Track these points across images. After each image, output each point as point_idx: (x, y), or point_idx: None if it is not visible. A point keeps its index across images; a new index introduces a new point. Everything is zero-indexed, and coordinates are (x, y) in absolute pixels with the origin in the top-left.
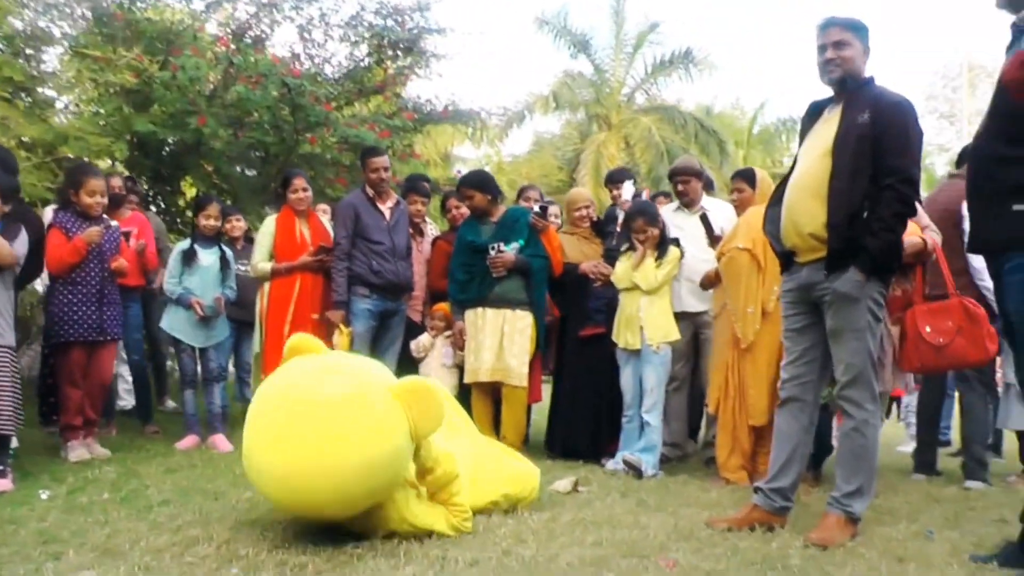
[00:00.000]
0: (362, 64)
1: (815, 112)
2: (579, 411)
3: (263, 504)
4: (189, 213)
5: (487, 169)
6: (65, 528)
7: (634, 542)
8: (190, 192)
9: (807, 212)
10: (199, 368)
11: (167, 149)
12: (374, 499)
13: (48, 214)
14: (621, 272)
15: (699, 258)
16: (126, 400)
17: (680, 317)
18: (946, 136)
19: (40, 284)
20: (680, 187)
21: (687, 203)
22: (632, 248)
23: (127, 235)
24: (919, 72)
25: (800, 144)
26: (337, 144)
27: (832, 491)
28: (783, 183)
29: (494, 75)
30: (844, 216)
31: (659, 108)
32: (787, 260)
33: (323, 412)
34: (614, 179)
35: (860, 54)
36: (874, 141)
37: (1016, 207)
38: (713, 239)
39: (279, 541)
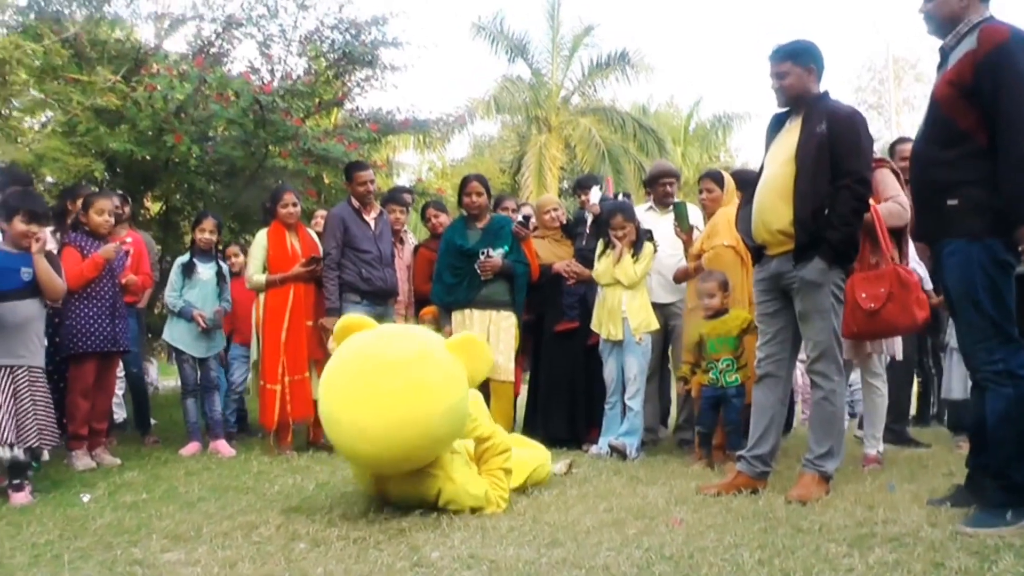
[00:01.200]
0: (321, 78)
1: (778, 124)
2: (557, 401)
3: (295, 494)
4: (156, 228)
5: (431, 175)
6: (127, 522)
7: (640, 507)
8: (155, 207)
9: (775, 211)
10: (199, 377)
11: (136, 167)
12: (450, 441)
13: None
14: (602, 269)
15: (668, 253)
16: (117, 414)
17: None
18: (875, 126)
19: None
20: (669, 188)
21: (664, 204)
22: (610, 246)
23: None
24: (847, 66)
25: (765, 152)
26: (303, 157)
27: (805, 454)
28: (752, 187)
29: (435, 82)
30: (808, 213)
31: (597, 109)
32: (758, 254)
33: (402, 370)
34: (582, 184)
35: (803, 75)
36: (831, 147)
37: (950, 202)
38: (687, 228)
39: (332, 520)
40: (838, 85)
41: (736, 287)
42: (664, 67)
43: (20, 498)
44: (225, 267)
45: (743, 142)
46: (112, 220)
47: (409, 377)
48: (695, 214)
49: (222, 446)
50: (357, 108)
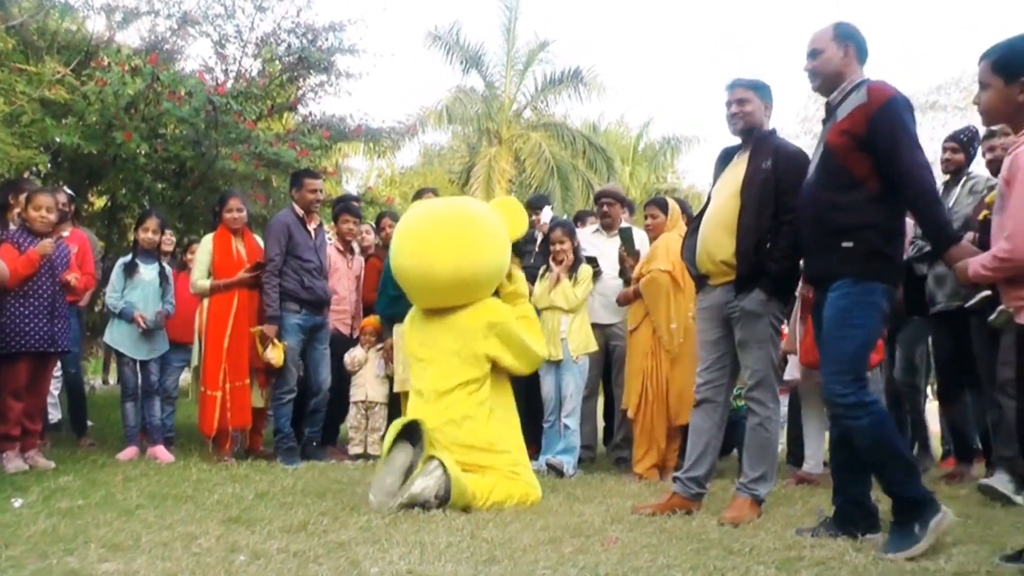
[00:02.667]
0: (275, 81)
1: (726, 157)
2: None
3: (234, 504)
4: (99, 224)
5: (379, 182)
6: (63, 529)
7: (576, 525)
8: (99, 203)
9: (719, 243)
10: (139, 381)
11: (82, 160)
12: (495, 274)
13: None
14: (539, 292)
15: (611, 276)
16: (52, 414)
17: (592, 327)
18: None
19: None
20: (604, 208)
21: (607, 225)
22: (548, 269)
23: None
24: (793, 94)
25: (713, 184)
26: (254, 160)
27: (740, 478)
28: (698, 217)
29: (389, 89)
30: (750, 246)
31: (548, 124)
32: (701, 282)
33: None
34: (534, 205)
35: (761, 109)
36: (776, 184)
37: (845, 244)
38: (633, 253)
39: (272, 532)
40: (785, 115)
41: (671, 309)
42: (616, 86)
43: None
44: (168, 269)
45: (691, 164)
46: (52, 217)
47: (463, 211)
48: (641, 238)
49: (160, 452)
50: (311, 113)
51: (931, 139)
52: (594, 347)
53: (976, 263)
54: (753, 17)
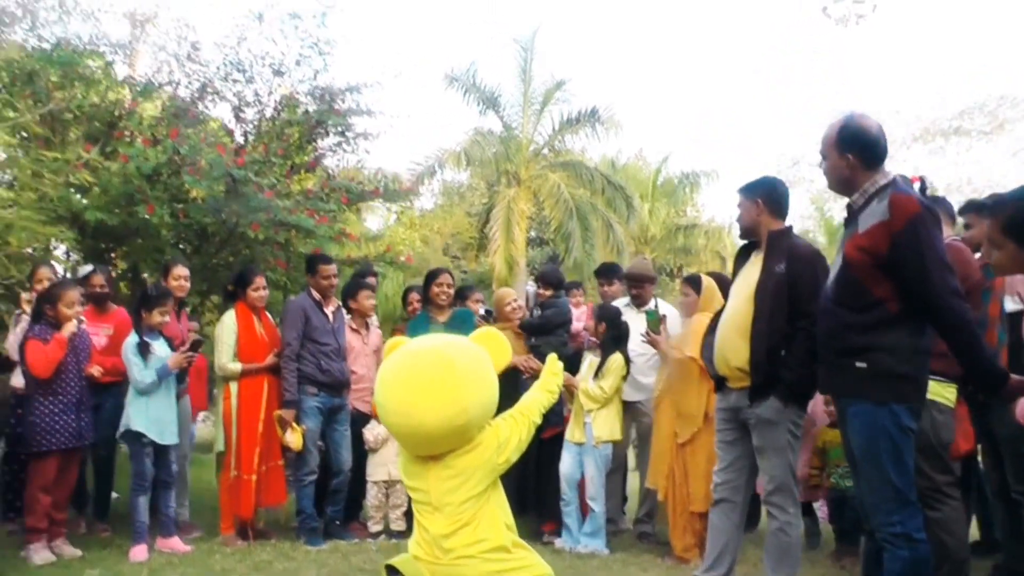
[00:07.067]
0: (293, 144)
1: (745, 254)
2: (505, 488)
3: None
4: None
5: (398, 226)
6: None
7: None
8: (121, 265)
9: (734, 349)
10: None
11: (106, 229)
12: (483, 413)
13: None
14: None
15: (639, 352)
16: None
17: None
18: None
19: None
20: (634, 291)
21: (638, 302)
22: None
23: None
24: (821, 117)
25: (732, 278)
26: (274, 227)
27: None
28: (717, 317)
29: (406, 132)
30: (763, 355)
31: (567, 164)
32: (720, 383)
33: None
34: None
35: (756, 210)
36: (790, 288)
37: (859, 364)
38: (658, 331)
39: None
40: (809, 140)
41: (695, 397)
42: (634, 121)
43: None
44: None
45: (710, 199)
46: (81, 310)
47: (442, 357)
48: (671, 313)
49: (176, 544)
50: (329, 176)
51: (955, 164)
52: (618, 436)
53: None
54: (770, 38)
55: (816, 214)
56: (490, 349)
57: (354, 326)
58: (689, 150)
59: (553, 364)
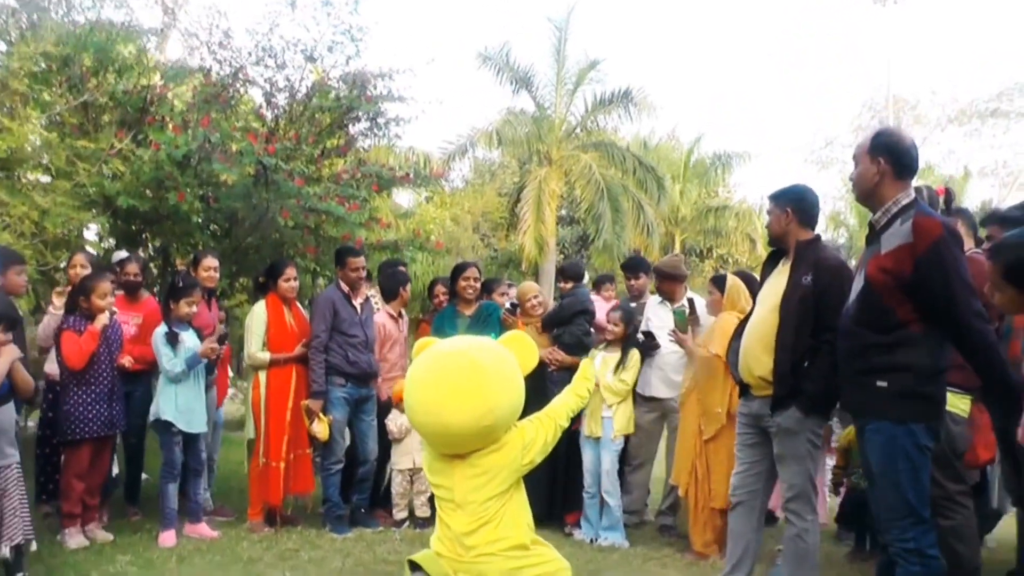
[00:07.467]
0: (324, 130)
1: (773, 260)
2: (536, 482)
3: None
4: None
5: (429, 205)
6: None
7: None
8: (153, 243)
9: (757, 359)
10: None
11: (137, 213)
12: (509, 414)
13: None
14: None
15: (671, 350)
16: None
17: (649, 400)
18: None
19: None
20: (662, 287)
21: (668, 297)
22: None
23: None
24: (849, 104)
25: (760, 284)
26: (304, 213)
27: None
28: (744, 322)
29: (438, 112)
30: (787, 367)
31: (599, 144)
32: (744, 388)
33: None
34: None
35: (786, 219)
36: (816, 299)
37: (879, 383)
38: (685, 330)
39: None
40: (841, 124)
41: (720, 394)
42: (667, 102)
43: None
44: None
45: (742, 179)
46: (113, 300)
47: (470, 359)
48: (702, 303)
49: (204, 530)
50: (360, 159)
51: (992, 147)
52: (631, 430)
53: None
54: (804, 26)
55: (848, 195)
56: (517, 352)
57: (392, 312)
58: (723, 131)
59: (586, 369)
